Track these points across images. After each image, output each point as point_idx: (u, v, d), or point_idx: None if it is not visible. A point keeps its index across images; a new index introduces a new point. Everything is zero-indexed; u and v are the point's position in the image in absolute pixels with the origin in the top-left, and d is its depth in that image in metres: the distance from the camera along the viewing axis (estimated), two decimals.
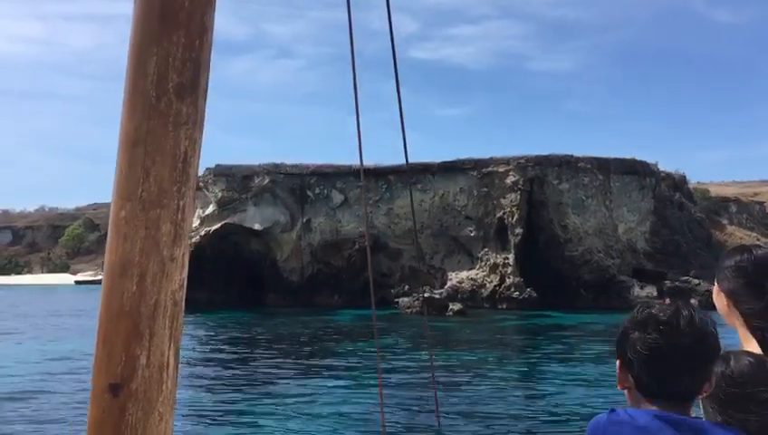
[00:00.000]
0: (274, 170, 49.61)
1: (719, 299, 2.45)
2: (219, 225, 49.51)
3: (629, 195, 50.27)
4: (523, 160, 46.50)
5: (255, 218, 49.47)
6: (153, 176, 1.43)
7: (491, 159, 47.39)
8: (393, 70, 2.41)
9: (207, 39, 1.49)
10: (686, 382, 1.74)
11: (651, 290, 46.42)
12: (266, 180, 49.26)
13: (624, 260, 48.09)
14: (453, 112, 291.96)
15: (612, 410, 1.74)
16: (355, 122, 2.32)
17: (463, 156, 48.33)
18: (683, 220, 52.61)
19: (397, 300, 43.47)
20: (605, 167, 48.53)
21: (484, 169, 46.84)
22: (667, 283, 45.19)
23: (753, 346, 2.29)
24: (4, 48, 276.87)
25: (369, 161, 50.64)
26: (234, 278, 49.69)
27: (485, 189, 46.72)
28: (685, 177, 62.04)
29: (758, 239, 59.72)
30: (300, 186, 49.54)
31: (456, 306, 39.16)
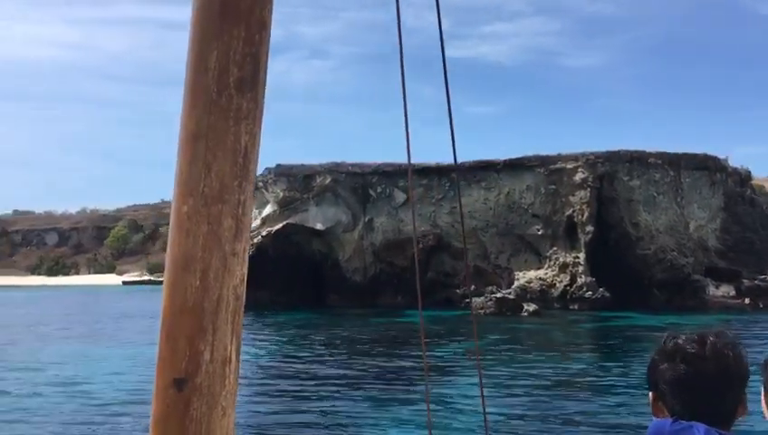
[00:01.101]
0: (336, 169, 49.02)
1: None
2: (281, 225, 49.06)
3: (700, 191, 48.78)
4: (591, 157, 45.30)
5: (317, 218, 48.93)
6: (215, 171, 1.43)
7: (558, 155, 46.25)
8: (442, 70, 2.43)
9: (266, 34, 1.49)
10: (719, 409, 1.75)
11: (728, 289, 44.98)
12: (328, 180, 48.69)
13: (696, 259, 46.61)
14: (484, 110, 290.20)
15: (675, 420, 1.74)
16: (403, 121, 2.29)
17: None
18: (755, 217, 50.89)
19: (467, 300, 42.53)
20: (675, 162, 47.14)
21: (551, 166, 45.71)
22: (746, 282, 43.67)
23: None
24: (38, 53, 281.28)
25: (424, 160, 49.89)
26: (295, 278, 49.22)
27: (553, 187, 45.59)
28: (750, 172, 60.19)
29: None
30: (362, 185, 48.87)
31: (530, 307, 38.18)
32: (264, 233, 49.61)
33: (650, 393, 1.84)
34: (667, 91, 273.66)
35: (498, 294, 40.51)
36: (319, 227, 48.72)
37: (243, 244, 1.47)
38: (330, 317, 40.87)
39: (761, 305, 42.31)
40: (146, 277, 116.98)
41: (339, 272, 49.18)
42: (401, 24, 2.26)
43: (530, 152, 47.02)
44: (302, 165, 49.66)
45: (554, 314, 39.86)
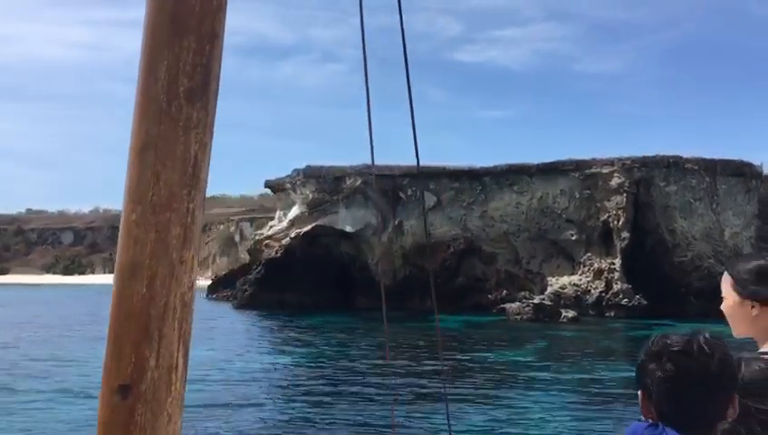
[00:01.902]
0: (366, 171, 48.43)
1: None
2: (310, 227, 48.56)
3: (735, 198, 47.93)
4: (628, 162, 44.59)
5: (347, 220, 48.40)
6: (163, 180, 1.44)
7: (593, 160, 45.56)
8: (405, 71, 2.32)
9: (218, 44, 1.51)
10: (707, 410, 1.76)
11: None
12: (358, 182, 48.15)
13: None
14: (496, 114, 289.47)
15: (650, 425, 1.77)
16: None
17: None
18: None
19: (502, 306, 41.87)
20: (711, 168, 46.35)
21: (586, 171, 45.01)
22: None
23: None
24: (53, 53, 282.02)
25: (456, 163, 49.36)
26: (323, 280, 48.67)
27: (588, 191, 44.89)
28: None
29: None
30: (392, 187, 48.29)
31: (569, 313, 37.48)
32: (292, 235, 49.16)
33: (639, 392, 1.84)
34: (682, 96, 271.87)
35: (535, 300, 39.76)
36: (348, 229, 48.17)
37: (191, 252, 1.46)
38: (363, 321, 40.27)
39: None
40: None
41: (367, 274, 48.59)
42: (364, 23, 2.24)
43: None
44: (332, 166, 49.16)
45: (591, 321, 39.13)
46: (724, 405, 1.78)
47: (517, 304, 40.48)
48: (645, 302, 41.67)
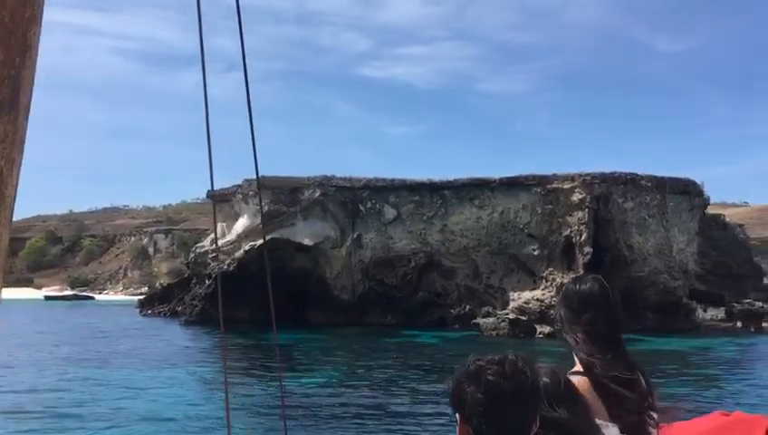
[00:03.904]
0: (326, 183, 47.04)
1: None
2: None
3: (680, 215, 49.46)
4: (588, 177, 45.16)
5: (304, 233, 46.76)
6: None
7: (554, 175, 45.91)
8: (244, 82, 2.36)
9: (30, 56, 1.46)
10: (521, 427, 1.87)
11: (716, 313, 45.64)
12: (317, 193, 46.66)
13: (682, 282, 47.17)
14: (403, 131, 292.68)
15: None
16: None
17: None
18: (729, 241, 52.15)
19: (477, 321, 41.29)
20: (662, 186, 47.60)
21: (548, 186, 45.28)
22: (737, 306, 44.40)
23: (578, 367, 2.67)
24: None
25: (416, 176, 48.76)
26: (276, 295, 46.55)
27: (550, 206, 45.15)
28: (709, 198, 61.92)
29: None
30: (351, 200, 47.06)
31: (545, 329, 37.34)
32: (246, 248, 47.01)
33: (457, 415, 1.90)
34: (579, 117, 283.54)
35: (510, 316, 39.39)
36: (306, 242, 46.52)
37: None
38: (336, 338, 38.79)
39: (752, 329, 43.09)
40: (67, 292, 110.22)
41: (325, 289, 47.08)
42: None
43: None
44: (289, 177, 47.40)
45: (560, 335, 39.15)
46: (533, 420, 1.90)
47: (492, 319, 40.06)
48: None
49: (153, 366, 26.50)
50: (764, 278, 53.34)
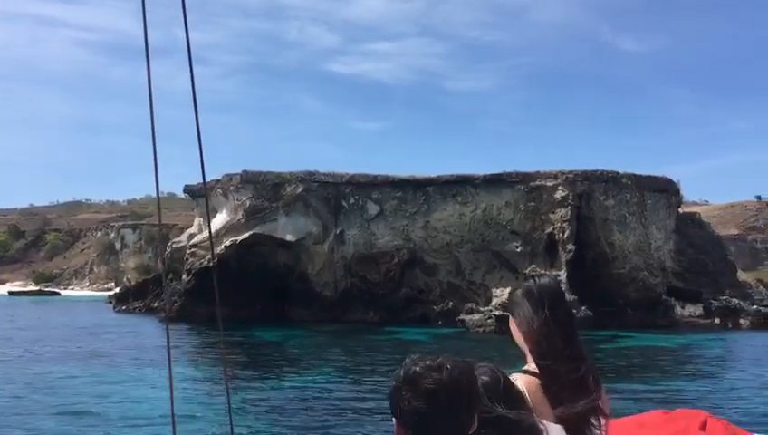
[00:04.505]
0: (308, 178, 46.60)
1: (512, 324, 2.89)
2: (247, 235, 46.01)
3: (658, 213, 50.07)
4: (571, 175, 45.47)
5: (287, 229, 46.28)
6: None
7: (537, 172, 46.13)
8: (191, 85, 2.44)
9: None
10: (458, 428, 1.88)
11: (693, 310, 46.28)
12: (299, 189, 46.19)
13: (660, 279, 47.77)
14: (371, 127, 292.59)
15: None
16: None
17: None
18: (705, 239, 52.96)
19: (462, 318, 41.30)
20: (641, 184, 48.15)
21: (531, 183, 45.46)
22: (715, 302, 45.09)
23: (533, 366, 2.72)
24: None
25: (399, 172, 48.59)
26: (258, 292, 46.18)
27: (533, 204, 45.34)
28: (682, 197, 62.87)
29: None
30: (335, 195, 46.69)
31: None
32: (227, 243, 46.37)
33: (394, 420, 1.90)
34: (546, 115, 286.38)
35: (498, 312, 39.43)
36: (289, 238, 46.05)
37: None
38: (321, 335, 38.45)
39: (730, 326, 43.82)
40: (30, 287, 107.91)
41: (307, 286, 46.67)
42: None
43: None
44: (271, 172, 46.88)
45: None
46: (470, 425, 1.91)
47: (478, 316, 40.09)
48: (590, 313, 42.46)
49: (140, 364, 25.84)
50: (738, 275, 54.23)
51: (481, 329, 38.97)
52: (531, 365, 2.77)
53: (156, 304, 52.41)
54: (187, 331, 41.41)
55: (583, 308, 42.83)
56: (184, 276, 48.21)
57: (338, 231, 46.65)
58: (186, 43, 2.27)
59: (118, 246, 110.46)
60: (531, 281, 2.93)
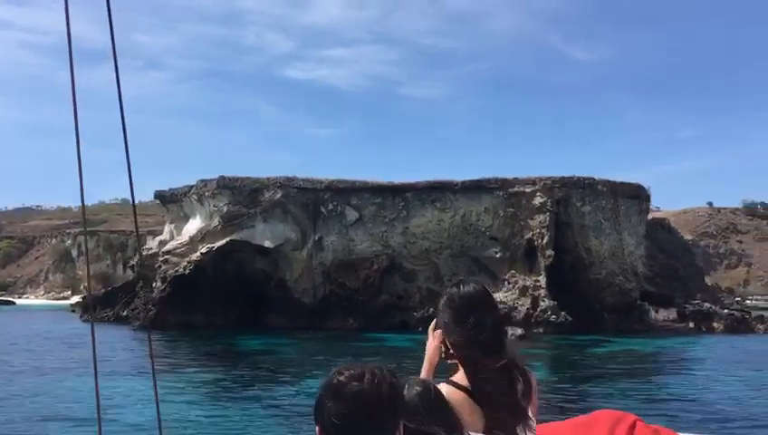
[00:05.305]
0: (287, 184, 46.05)
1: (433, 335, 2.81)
2: (224, 241, 45.24)
3: (630, 219, 50.86)
4: (549, 182, 45.89)
5: (265, 235, 45.63)
6: None
7: (516, 178, 46.44)
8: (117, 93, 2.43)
9: None
10: None
11: (668, 314, 47.11)
12: (278, 195, 45.62)
13: (635, 284, 48.54)
14: (325, 132, 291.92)
15: None
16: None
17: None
18: (675, 244, 54.06)
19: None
20: (615, 190, 48.87)
21: (510, 189, 45.74)
22: (689, 307, 45.97)
23: (460, 376, 2.66)
24: None
25: (378, 178, 48.45)
26: (234, 299, 45.44)
27: (512, 210, 45.62)
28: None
29: None
30: (313, 201, 46.25)
31: (517, 331, 37.62)
32: (203, 250, 45.54)
33: (317, 428, 1.91)
34: (499, 122, 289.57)
35: None
36: (267, 244, 45.43)
37: None
38: (304, 343, 37.95)
39: (703, 329, 44.71)
40: None
41: (285, 293, 46.09)
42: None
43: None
44: (249, 178, 46.21)
45: (535, 338, 39.61)
46: (394, 431, 1.92)
47: None
48: (570, 318, 42.88)
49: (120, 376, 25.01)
50: (705, 278, 55.53)
51: None
52: (459, 375, 2.71)
53: (125, 313, 51.06)
54: (163, 339, 40.51)
55: (563, 313, 43.31)
56: (158, 284, 47.15)
57: (316, 237, 46.21)
58: (111, 43, 2.27)
59: (74, 253, 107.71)
60: (454, 288, 2.87)
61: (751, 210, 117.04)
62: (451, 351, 2.79)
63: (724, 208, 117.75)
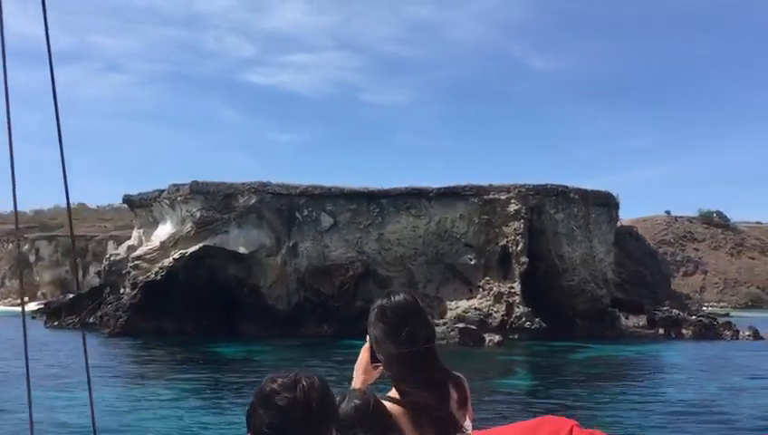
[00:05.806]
0: (262, 189, 45.59)
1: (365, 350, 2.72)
2: (197, 247, 44.56)
3: (600, 226, 51.53)
4: (523, 189, 46.26)
5: (239, 241, 45.08)
6: None
7: (490, 185, 46.72)
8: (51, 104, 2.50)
9: None
10: None
11: (638, 320, 47.83)
12: (252, 200, 45.13)
13: (606, 291, 49.18)
14: (287, 138, 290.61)
15: None
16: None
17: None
18: (643, 252, 54.94)
19: None
20: (586, 198, 49.46)
21: (485, 196, 45.99)
22: (659, 313, 46.73)
23: (393, 392, 2.62)
24: None
25: (353, 184, 48.33)
26: (206, 305, 44.76)
27: (486, 217, 45.86)
28: None
29: None
30: (288, 207, 45.85)
31: (494, 337, 37.80)
32: (176, 256, 44.79)
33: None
34: (462, 131, 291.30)
35: (461, 325, 39.57)
36: (241, 250, 44.87)
37: None
38: (287, 350, 37.55)
39: (673, 335, 45.52)
40: None
41: (258, 299, 45.55)
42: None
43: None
44: (223, 183, 45.64)
45: (512, 344, 39.84)
46: None
47: (442, 328, 40.05)
48: (545, 324, 43.22)
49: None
50: (671, 284, 56.56)
51: (444, 341, 38.99)
52: (394, 390, 2.68)
53: (92, 319, 49.92)
54: (132, 346, 39.73)
55: (537, 319, 43.66)
56: (128, 290, 46.26)
57: (291, 243, 45.83)
58: (46, 44, 2.26)
59: (32, 258, 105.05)
60: (384, 299, 2.78)
61: (707, 219, 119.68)
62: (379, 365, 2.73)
63: (681, 217, 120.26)
